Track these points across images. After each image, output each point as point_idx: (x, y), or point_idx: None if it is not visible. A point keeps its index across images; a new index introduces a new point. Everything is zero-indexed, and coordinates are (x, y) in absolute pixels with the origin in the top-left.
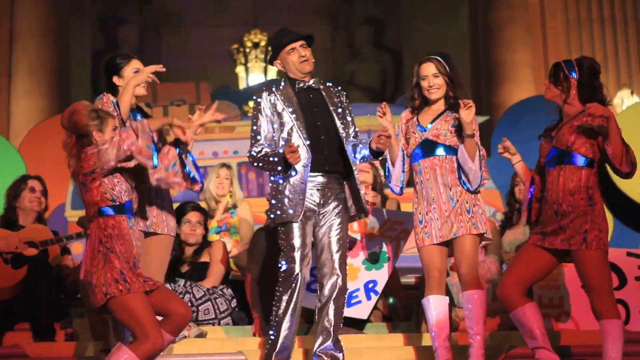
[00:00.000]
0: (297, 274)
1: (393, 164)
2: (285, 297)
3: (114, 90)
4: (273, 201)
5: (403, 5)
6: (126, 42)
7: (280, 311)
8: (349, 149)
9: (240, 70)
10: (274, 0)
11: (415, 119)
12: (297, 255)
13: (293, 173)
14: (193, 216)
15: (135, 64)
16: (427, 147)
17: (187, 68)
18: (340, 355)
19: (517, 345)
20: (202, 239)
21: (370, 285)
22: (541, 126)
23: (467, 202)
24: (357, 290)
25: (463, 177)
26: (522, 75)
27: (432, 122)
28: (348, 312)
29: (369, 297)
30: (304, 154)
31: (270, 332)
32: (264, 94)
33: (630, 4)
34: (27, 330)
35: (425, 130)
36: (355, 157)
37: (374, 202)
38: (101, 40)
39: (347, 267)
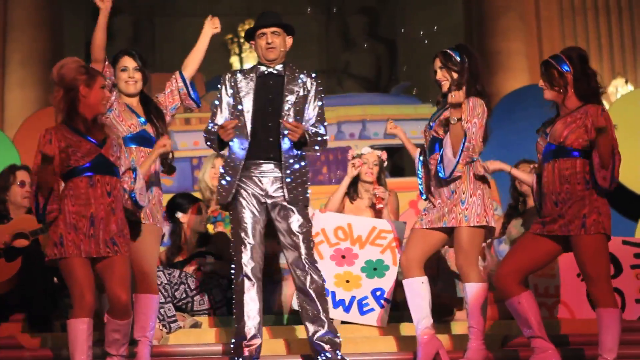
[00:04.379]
0: (248, 258)
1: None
2: (238, 285)
3: None
4: (219, 182)
5: None
6: (120, 32)
7: (239, 299)
8: (285, 140)
9: (234, 60)
10: None
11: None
12: (244, 238)
13: (233, 155)
14: (199, 206)
15: (123, 61)
16: (432, 144)
17: (181, 58)
18: (338, 339)
19: (514, 335)
20: (204, 228)
21: (378, 294)
22: (536, 115)
23: (464, 193)
24: (366, 297)
25: (440, 164)
26: (516, 64)
27: (438, 118)
28: (363, 320)
29: (380, 305)
30: (244, 137)
31: (235, 322)
32: (228, 75)
33: None
34: (22, 321)
35: (431, 128)
36: (290, 148)
37: (383, 197)
38: None
39: (314, 250)
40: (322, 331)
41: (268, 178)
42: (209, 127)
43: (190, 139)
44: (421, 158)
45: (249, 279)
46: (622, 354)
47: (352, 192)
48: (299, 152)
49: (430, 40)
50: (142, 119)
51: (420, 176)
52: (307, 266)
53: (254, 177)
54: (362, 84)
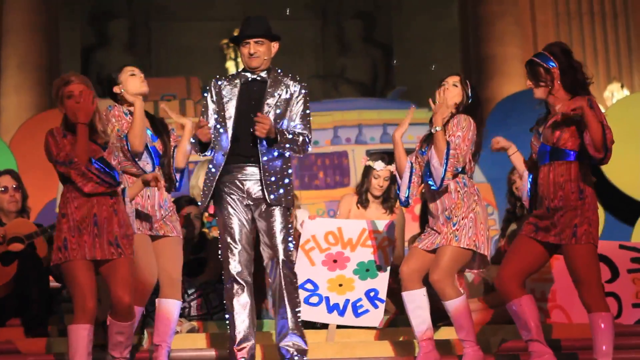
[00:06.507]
0: (235, 263)
1: (401, 176)
2: (228, 290)
3: (115, 99)
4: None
5: None
6: (116, 37)
7: (229, 304)
8: (263, 140)
9: (230, 65)
10: None
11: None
12: (231, 243)
13: (214, 161)
14: (190, 210)
15: (128, 69)
16: (427, 170)
17: (177, 63)
18: (305, 346)
19: (509, 339)
20: (198, 233)
21: (372, 294)
22: (532, 120)
23: (456, 216)
24: (360, 300)
25: (429, 178)
26: (512, 69)
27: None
28: (359, 322)
29: (375, 306)
30: (224, 143)
31: (228, 328)
32: (213, 82)
33: None
34: (19, 326)
35: (424, 154)
36: (268, 150)
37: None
38: (91, 36)
39: (293, 252)
40: (289, 336)
41: (250, 180)
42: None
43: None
44: (414, 167)
45: (237, 283)
46: (619, 359)
47: (363, 199)
48: (278, 153)
49: (426, 45)
50: (151, 133)
51: (411, 181)
52: (282, 268)
53: (236, 181)
54: (358, 88)
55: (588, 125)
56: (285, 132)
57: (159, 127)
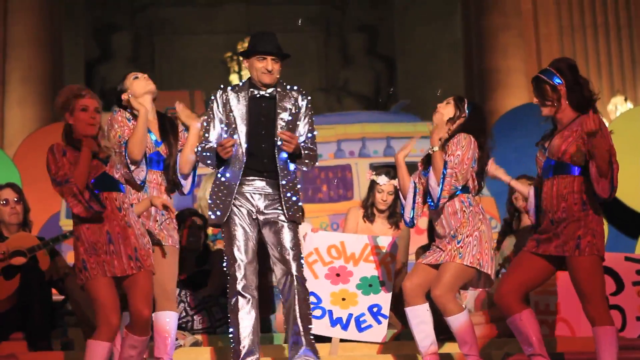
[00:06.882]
0: (241, 276)
1: (405, 197)
2: (232, 304)
3: (122, 107)
4: (209, 202)
5: (396, 12)
6: (119, 50)
7: (233, 317)
8: (281, 156)
9: (234, 78)
10: (266, 7)
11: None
12: (237, 256)
13: (227, 175)
14: (194, 222)
15: (130, 75)
16: (428, 190)
17: (180, 76)
18: (316, 359)
19: (513, 353)
20: (202, 245)
21: (375, 310)
22: (535, 133)
23: (461, 234)
24: (363, 314)
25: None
26: (515, 81)
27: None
28: (363, 337)
29: (378, 322)
30: (240, 158)
31: (231, 341)
32: (218, 93)
33: (623, 10)
34: (22, 340)
35: (426, 175)
36: (285, 166)
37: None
38: (94, 49)
39: (304, 269)
40: (302, 351)
41: (260, 194)
42: (203, 145)
43: None
44: (418, 187)
45: (243, 296)
46: None
47: (369, 213)
48: (293, 170)
49: (429, 58)
50: (155, 138)
51: (415, 202)
52: (295, 283)
53: (246, 194)
54: (361, 101)
55: (595, 156)
56: (304, 148)
57: (167, 127)
